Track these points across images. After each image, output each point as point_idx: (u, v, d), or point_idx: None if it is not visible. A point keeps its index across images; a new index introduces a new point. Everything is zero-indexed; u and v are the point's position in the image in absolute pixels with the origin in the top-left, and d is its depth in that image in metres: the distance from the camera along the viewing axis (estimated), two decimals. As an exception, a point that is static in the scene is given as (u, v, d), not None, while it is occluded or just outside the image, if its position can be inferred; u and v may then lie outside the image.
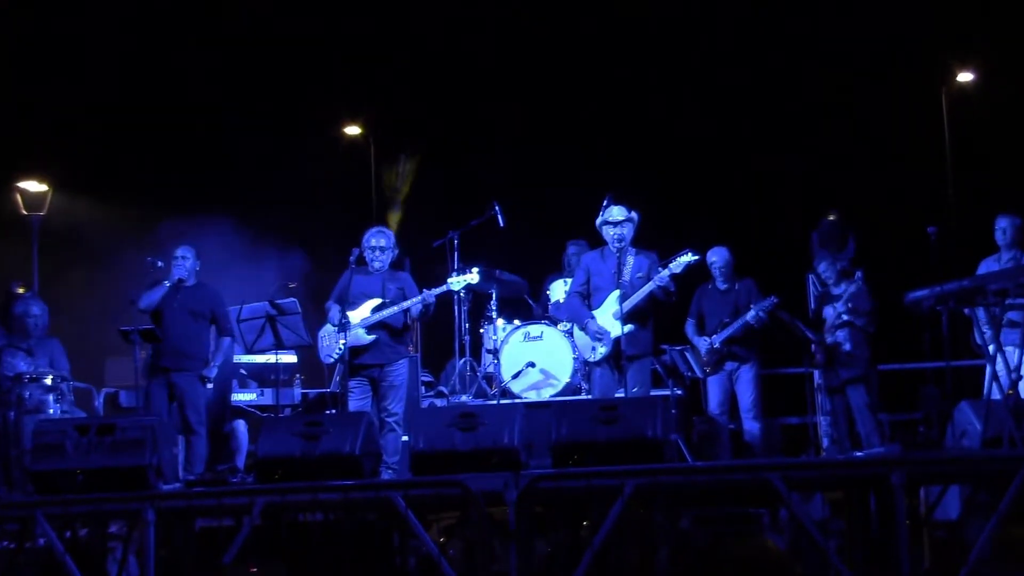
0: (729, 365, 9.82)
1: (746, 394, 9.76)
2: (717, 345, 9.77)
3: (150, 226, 11.83)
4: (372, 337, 9.03)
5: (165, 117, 13.44)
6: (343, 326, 8.89)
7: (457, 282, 9.24)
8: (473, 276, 9.26)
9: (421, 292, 9.10)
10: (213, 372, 9.49)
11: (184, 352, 9.35)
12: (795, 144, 12.83)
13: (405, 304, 9.05)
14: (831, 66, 12.82)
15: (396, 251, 9.30)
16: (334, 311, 9.12)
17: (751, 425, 9.76)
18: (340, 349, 9.00)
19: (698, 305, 10.05)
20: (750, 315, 9.66)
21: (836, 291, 9.89)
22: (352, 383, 9.01)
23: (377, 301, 9.08)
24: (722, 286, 9.97)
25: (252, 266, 11.54)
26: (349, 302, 9.04)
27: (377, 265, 9.18)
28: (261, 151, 13.20)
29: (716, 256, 9.93)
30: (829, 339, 9.79)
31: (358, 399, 9.01)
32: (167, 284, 9.35)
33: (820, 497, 8.71)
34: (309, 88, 13.64)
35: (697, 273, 9.52)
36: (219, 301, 9.62)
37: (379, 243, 9.20)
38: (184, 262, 9.47)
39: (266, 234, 11.96)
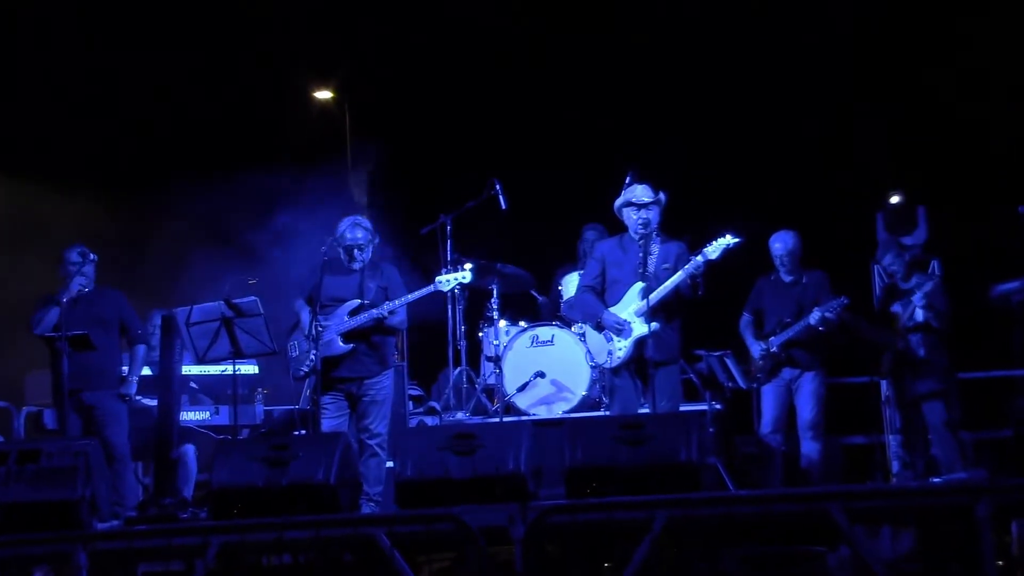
0: (788, 372, 9.78)
1: (807, 408, 9.71)
2: (775, 349, 9.73)
3: (87, 209, 11.81)
4: (349, 346, 9.03)
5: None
6: (315, 336, 8.90)
7: (446, 281, 9.19)
8: (465, 274, 9.23)
9: (408, 290, 9.10)
10: (132, 388, 9.72)
11: (95, 369, 9.48)
12: (853, 106, 12.77)
13: (390, 305, 9.03)
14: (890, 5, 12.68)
15: (377, 238, 9.29)
16: (305, 314, 9.12)
17: (809, 446, 9.72)
18: (311, 360, 9.00)
19: (757, 299, 10.01)
20: (813, 317, 9.60)
21: (905, 286, 9.86)
22: (326, 399, 9.00)
23: (355, 303, 9.08)
24: (786, 279, 9.92)
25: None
26: (321, 305, 9.03)
27: (356, 266, 9.18)
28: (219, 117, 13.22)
29: (779, 243, 9.87)
30: (900, 343, 9.76)
31: (333, 417, 9.00)
32: (64, 300, 9.45)
33: (889, 532, 8.68)
34: (272, 44, 13.62)
35: (757, 264, 9.45)
36: (125, 304, 9.84)
37: (356, 239, 9.14)
38: (76, 268, 9.59)
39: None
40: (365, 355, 9.08)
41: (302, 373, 9.22)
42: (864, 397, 10.58)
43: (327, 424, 8.95)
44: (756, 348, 9.81)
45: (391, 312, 9.02)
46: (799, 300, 9.81)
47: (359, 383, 9.06)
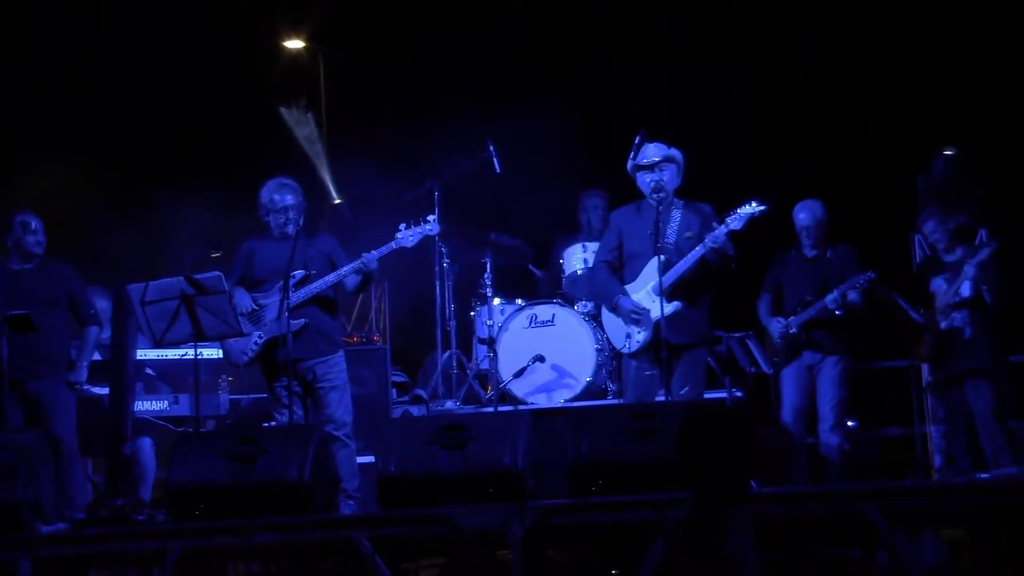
0: (809, 356, 9.81)
1: (827, 395, 9.74)
2: (794, 330, 9.75)
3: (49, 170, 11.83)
4: (301, 321, 9.04)
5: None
6: (256, 314, 8.97)
7: (409, 236, 9.19)
8: (431, 226, 9.22)
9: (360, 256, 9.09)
10: (83, 375, 9.67)
11: (41, 354, 9.46)
12: (895, 61, 12.74)
13: (348, 269, 9.04)
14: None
15: (306, 203, 9.32)
16: (240, 294, 9.14)
17: (829, 437, 9.74)
18: (256, 344, 9.08)
19: (776, 277, 10.03)
20: (830, 297, 9.61)
21: (948, 258, 9.87)
22: (275, 386, 9.08)
23: (300, 274, 9.07)
24: (809, 254, 9.93)
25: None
26: (257, 281, 9.12)
27: (290, 229, 9.16)
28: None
29: (804, 213, 9.86)
30: (943, 323, 9.77)
31: (287, 409, 8.98)
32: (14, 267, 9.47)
33: (931, 536, 8.71)
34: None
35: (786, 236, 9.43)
36: (76, 279, 9.78)
37: (285, 201, 9.18)
38: (37, 235, 9.57)
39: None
40: (317, 333, 9.12)
41: (246, 359, 9.23)
42: (902, 383, 10.57)
43: (283, 416, 8.98)
44: (775, 327, 9.82)
45: (364, 266, 9.01)
46: (823, 277, 9.82)
47: (314, 367, 9.09)
